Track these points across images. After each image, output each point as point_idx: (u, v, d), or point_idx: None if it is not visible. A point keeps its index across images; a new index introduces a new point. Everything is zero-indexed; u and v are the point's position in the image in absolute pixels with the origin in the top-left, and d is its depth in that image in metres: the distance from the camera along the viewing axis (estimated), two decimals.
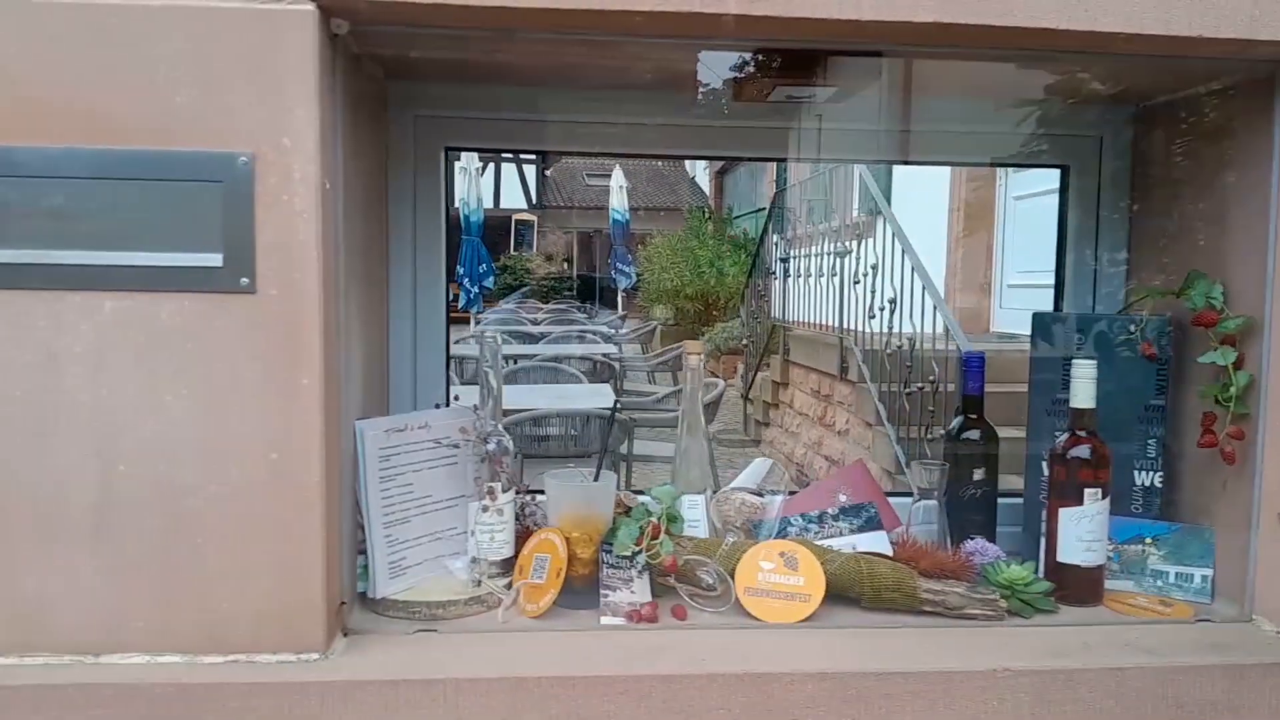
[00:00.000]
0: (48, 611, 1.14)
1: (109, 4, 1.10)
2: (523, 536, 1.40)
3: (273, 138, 1.12)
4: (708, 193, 20.55)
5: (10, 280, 1.10)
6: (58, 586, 1.14)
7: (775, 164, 11.33)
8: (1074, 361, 1.45)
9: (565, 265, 21.65)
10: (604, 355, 7.52)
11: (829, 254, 6.32)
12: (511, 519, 1.40)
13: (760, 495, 1.44)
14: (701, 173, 22.27)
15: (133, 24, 1.10)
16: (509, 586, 1.36)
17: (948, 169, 6.74)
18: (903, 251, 4.88)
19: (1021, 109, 1.71)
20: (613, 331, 10.09)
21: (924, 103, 1.61)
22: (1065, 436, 1.45)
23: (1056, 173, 1.78)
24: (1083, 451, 1.42)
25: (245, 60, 1.11)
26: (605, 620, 1.30)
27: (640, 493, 1.50)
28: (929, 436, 4.36)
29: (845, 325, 5.79)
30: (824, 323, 6.42)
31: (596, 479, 1.40)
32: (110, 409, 1.13)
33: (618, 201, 14.03)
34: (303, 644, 1.17)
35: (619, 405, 4.72)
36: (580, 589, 1.34)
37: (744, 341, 9.23)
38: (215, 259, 1.12)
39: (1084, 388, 1.43)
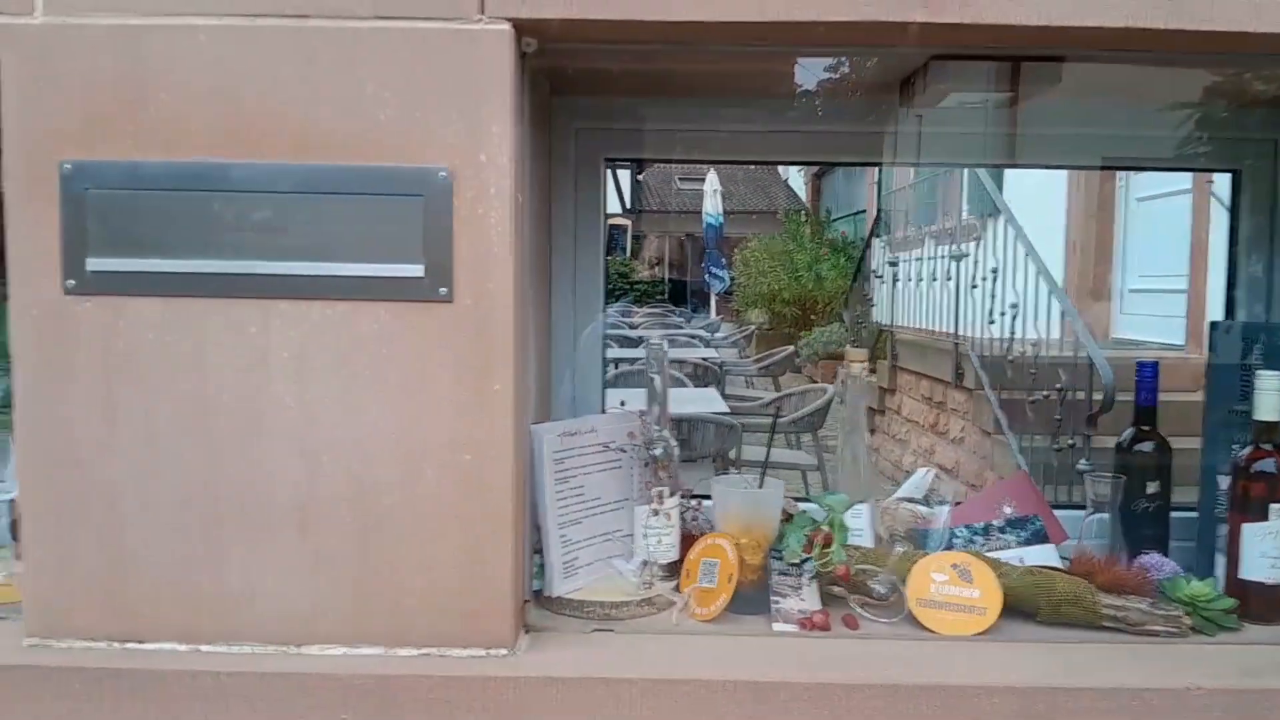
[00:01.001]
0: (254, 603, 1.21)
1: (319, 27, 1.15)
2: (683, 541, 1.42)
3: (470, 153, 1.16)
4: (803, 196, 20.35)
5: (226, 289, 1.17)
6: (263, 579, 1.20)
7: (878, 167, 11.17)
8: (1260, 373, 1.39)
9: (656, 269, 21.72)
10: (703, 359, 7.52)
11: (942, 257, 6.20)
12: (678, 523, 1.42)
13: (927, 505, 1.42)
14: (795, 175, 22.07)
15: (341, 45, 1.15)
16: (676, 589, 1.38)
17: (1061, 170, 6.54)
18: (1026, 255, 4.76)
19: (1182, 111, 1.66)
20: (710, 336, 10.08)
21: (1068, 105, 1.57)
22: (1249, 450, 1.40)
23: (1186, 174, 1.72)
24: (1268, 466, 1.37)
25: (445, 78, 1.16)
26: (777, 627, 1.30)
27: (803, 499, 1.51)
28: (1055, 446, 4.24)
29: (961, 330, 5.67)
30: (935, 328, 6.30)
31: (760, 485, 1.41)
32: (314, 411, 1.19)
33: (711, 205, 14.01)
34: (491, 639, 1.21)
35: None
36: (749, 595, 1.35)
37: (847, 347, 9.13)
38: (417, 269, 1.17)
39: (1270, 400, 1.38)
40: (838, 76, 1.52)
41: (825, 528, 1.33)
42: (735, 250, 14.23)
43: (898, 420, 6.86)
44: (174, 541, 1.19)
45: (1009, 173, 6.90)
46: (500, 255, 1.17)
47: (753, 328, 12.31)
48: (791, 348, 8.87)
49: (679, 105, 1.64)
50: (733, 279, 14.04)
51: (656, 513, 1.38)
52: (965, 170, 6.26)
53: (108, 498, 1.19)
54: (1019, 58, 1.30)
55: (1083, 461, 4.01)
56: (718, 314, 15.61)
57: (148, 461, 1.19)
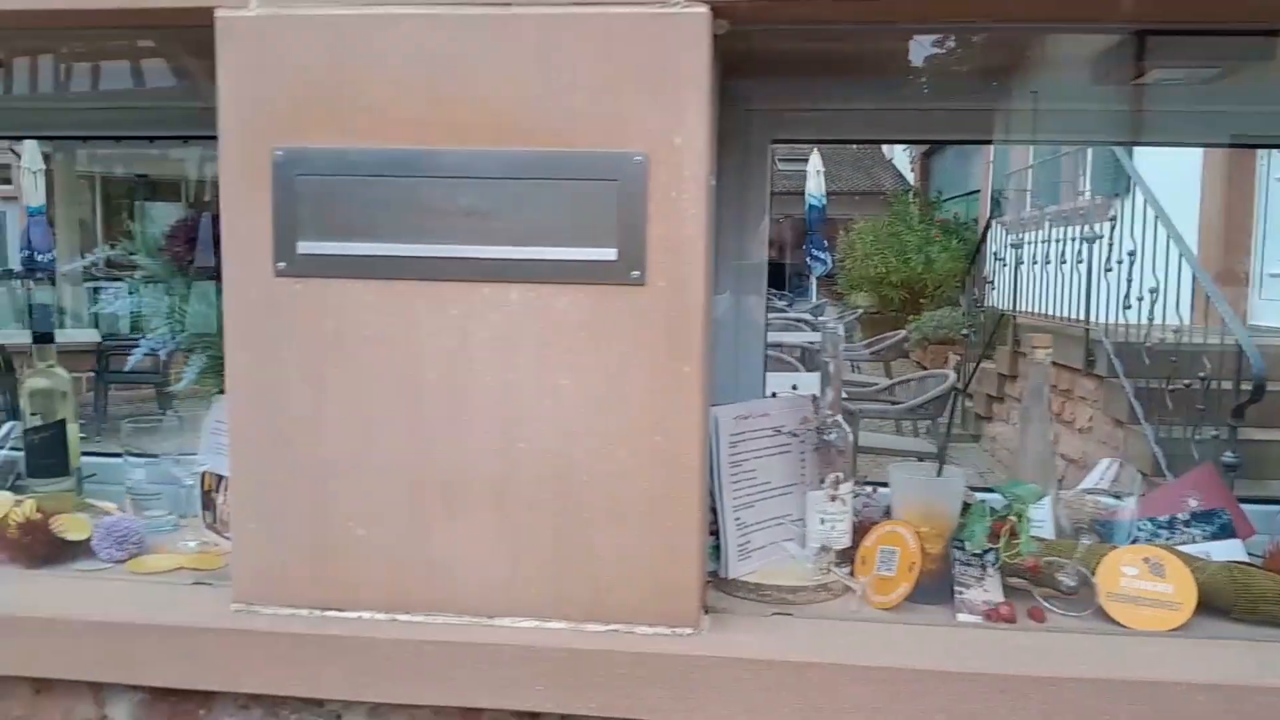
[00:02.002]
0: (453, 575, 1.25)
1: (519, 14, 1.17)
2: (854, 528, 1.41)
3: (665, 136, 1.17)
4: (909, 176, 19.86)
5: (432, 272, 1.21)
6: (462, 552, 1.24)
7: (993, 146, 10.81)
8: None
9: None
10: (810, 343, 7.42)
11: (1072, 239, 5.97)
12: (850, 510, 1.41)
13: (1116, 497, 1.38)
14: (901, 155, 21.55)
15: (541, 31, 1.17)
16: (850, 575, 1.37)
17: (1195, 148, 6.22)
18: (1167, 238, 4.55)
19: None
20: (815, 320, 9.95)
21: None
22: None
23: None
24: None
25: (642, 63, 1.16)
26: (961, 617, 1.29)
27: (988, 490, 1.48)
28: (1197, 437, 4.05)
29: (1092, 315, 5.45)
30: (1063, 313, 6.08)
31: (939, 474, 1.38)
32: (513, 391, 1.22)
33: (814, 186, 13.77)
34: (677, 619, 1.22)
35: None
36: (927, 584, 1.33)
37: (964, 332, 8.89)
38: (611, 253, 1.18)
39: None
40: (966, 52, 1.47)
41: (1013, 518, 1.30)
42: (838, 232, 14.00)
43: (1018, 408, 6.66)
44: (379, 515, 1.24)
45: (1142, 152, 6.61)
46: (692, 238, 1.18)
47: (859, 311, 12.11)
48: (903, 332, 8.68)
49: (848, 85, 1.61)
50: (835, 261, 13.81)
51: (834, 498, 1.37)
52: (1090, 149, 6.01)
53: (316, 473, 1.25)
54: (1234, 32, 1.24)
55: (1228, 454, 3.83)
56: (819, 297, 15.41)
57: (355, 438, 1.24)
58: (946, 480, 1.36)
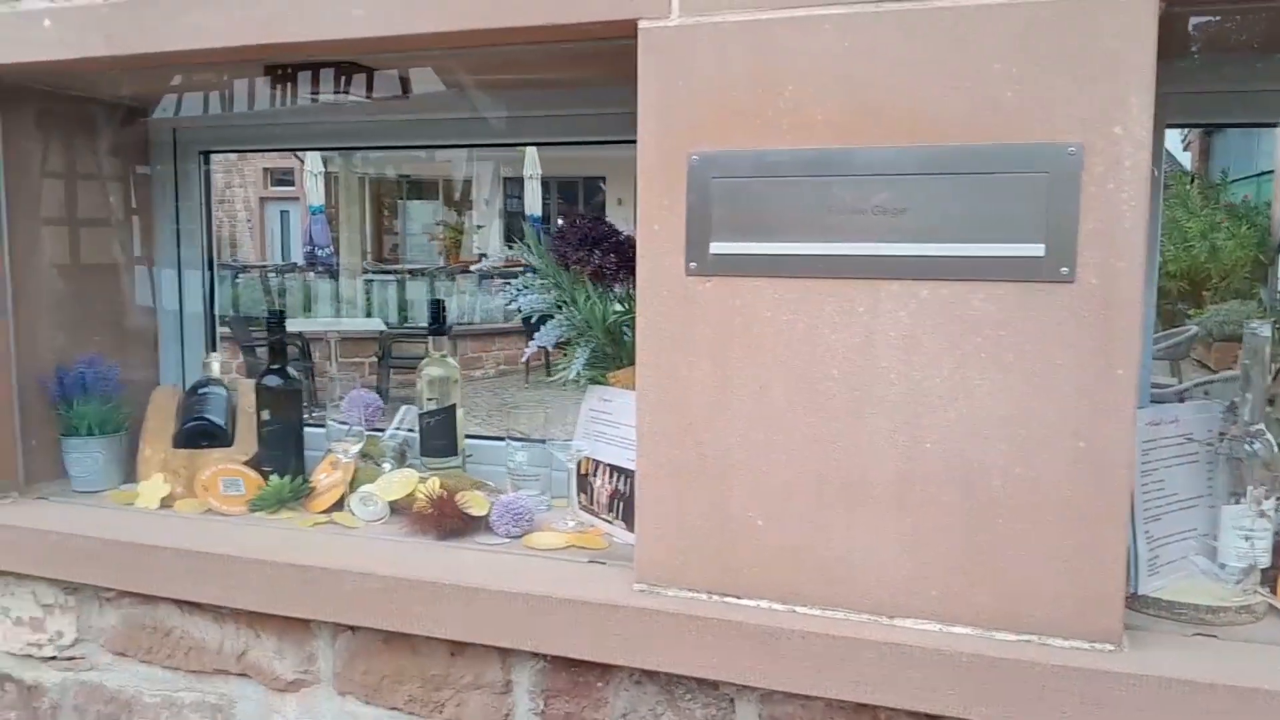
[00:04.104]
0: (852, 571, 1.25)
1: (945, 8, 1.15)
2: None
3: (1103, 126, 1.11)
4: (1182, 158, 18.10)
5: (838, 270, 1.22)
6: (861, 550, 1.25)
7: None
8: None
9: None
10: None
11: None
12: (1273, 527, 1.29)
13: None
14: (1172, 135, 19.69)
15: (967, 26, 1.15)
16: (1272, 594, 1.26)
17: None
18: None
19: None
20: None
21: None
22: None
23: None
24: None
25: (1075, 51, 1.11)
26: None
27: None
28: None
29: None
30: None
31: None
32: (920, 389, 1.20)
33: None
34: (1097, 633, 1.17)
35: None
36: None
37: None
38: (1036, 249, 1.14)
39: None
40: None
41: None
42: None
43: None
44: (779, 508, 1.27)
45: None
46: (1130, 232, 1.12)
47: None
48: (1194, 328, 7.89)
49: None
50: None
51: (1261, 514, 1.26)
52: None
53: (719, 463, 1.29)
54: None
55: None
56: None
57: (759, 431, 1.27)
58: None
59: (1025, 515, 1.18)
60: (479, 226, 14.80)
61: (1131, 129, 1.10)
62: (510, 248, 1.65)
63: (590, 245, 1.62)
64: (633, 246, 1.61)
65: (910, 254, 1.19)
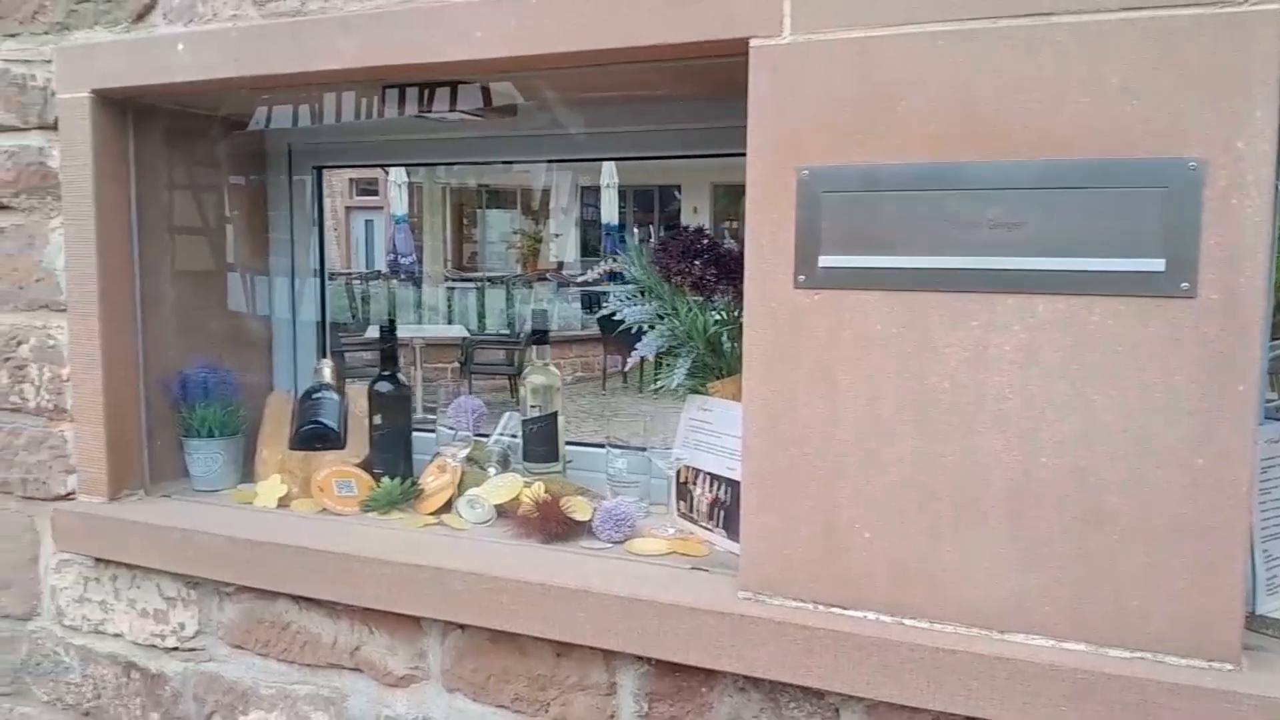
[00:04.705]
0: (960, 584, 1.26)
1: (1061, 23, 1.16)
2: None
3: (1226, 141, 1.10)
4: None
5: (951, 283, 1.22)
6: (971, 563, 1.25)
7: None
8: None
9: None
10: None
11: None
12: None
13: None
14: None
15: (1085, 40, 1.15)
16: None
17: None
18: None
19: None
20: None
21: None
22: None
23: None
24: None
25: (1199, 66, 1.11)
26: None
27: None
28: None
29: None
30: None
31: None
32: (1035, 405, 1.20)
33: None
34: (1215, 652, 1.15)
35: None
36: None
37: None
38: (1156, 264, 1.14)
39: None
40: None
41: None
42: None
43: None
44: (887, 519, 1.28)
45: None
46: (1253, 247, 1.10)
47: None
48: None
49: None
50: None
51: None
52: None
53: (825, 474, 1.31)
54: None
55: None
56: None
57: (864, 443, 1.28)
58: None
59: (1141, 532, 1.17)
60: (556, 235, 15.01)
61: (1255, 143, 1.09)
62: (614, 259, 1.69)
63: (692, 257, 1.65)
64: (733, 259, 1.65)
65: (1026, 268, 1.19)
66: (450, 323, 10.85)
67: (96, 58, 1.80)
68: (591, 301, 10.28)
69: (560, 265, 14.24)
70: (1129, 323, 1.16)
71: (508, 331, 10.29)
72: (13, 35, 1.92)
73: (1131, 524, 1.17)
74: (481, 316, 11.16)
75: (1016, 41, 1.18)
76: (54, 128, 1.88)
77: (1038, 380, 1.20)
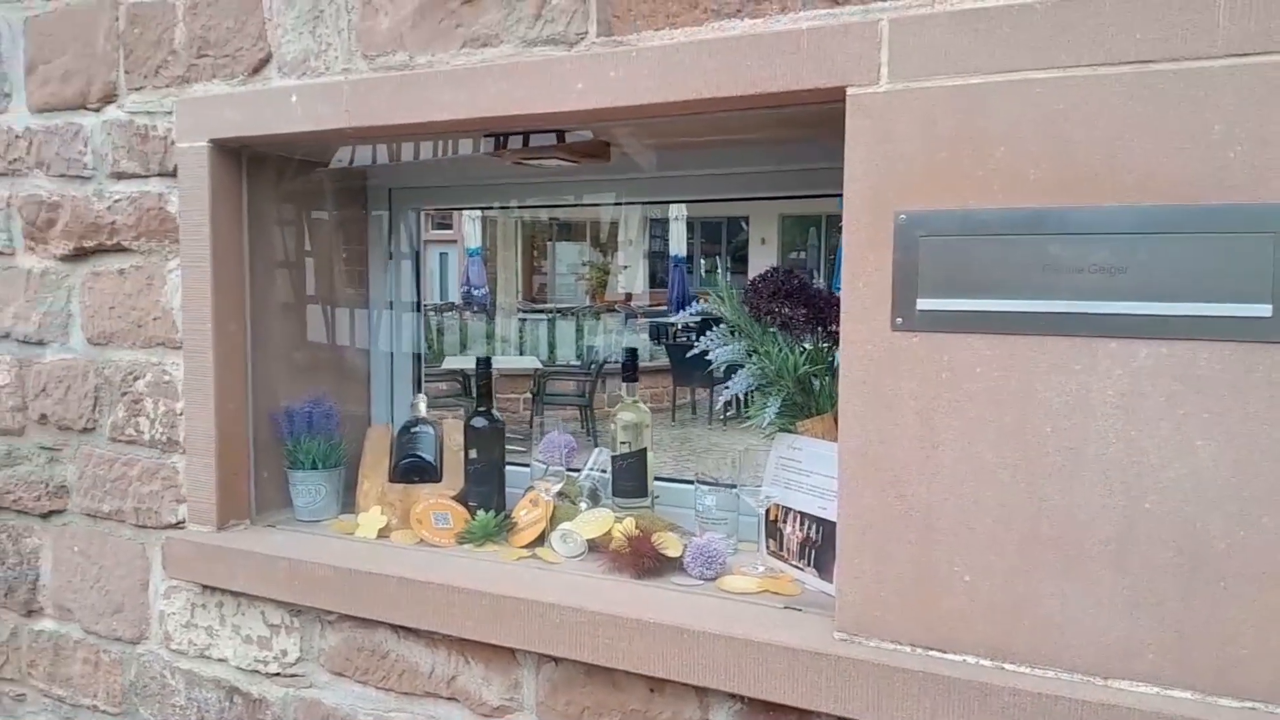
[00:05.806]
0: (1063, 630, 1.25)
1: (1163, 70, 1.16)
2: None
3: None
4: None
5: (1054, 327, 1.23)
6: (1074, 608, 1.24)
7: None
8: None
9: None
10: None
11: None
12: None
13: None
14: None
15: (1188, 87, 1.15)
16: None
17: None
18: None
19: None
20: None
21: None
22: None
23: None
24: None
25: None
26: None
27: None
28: None
29: None
30: None
31: None
32: (1138, 449, 1.20)
33: None
34: None
35: None
36: None
37: None
38: (1264, 309, 1.13)
39: None
40: None
41: None
42: None
43: None
44: (987, 563, 1.28)
45: None
46: None
47: None
48: None
49: None
50: None
51: None
52: None
53: (924, 517, 1.32)
54: None
55: None
56: None
57: (964, 486, 1.29)
58: None
59: (1249, 579, 1.16)
60: (624, 266, 15.14)
61: None
62: (704, 300, 1.73)
63: (783, 298, 1.67)
64: (823, 299, 1.67)
65: (1129, 312, 1.19)
66: (522, 353, 11.00)
67: (214, 109, 1.91)
68: (658, 333, 10.31)
69: (629, 296, 14.35)
70: (1234, 368, 1.15)
71: (577, 363, 10.40)
72: (138, 89, 2.04)
73: (1239, 570, 1.16)
74: (552, 347, 11.30)
75: (1117, 87, 1.19)
76: (173, 175, 1.99)
77: (1141, 425, 1.19)
